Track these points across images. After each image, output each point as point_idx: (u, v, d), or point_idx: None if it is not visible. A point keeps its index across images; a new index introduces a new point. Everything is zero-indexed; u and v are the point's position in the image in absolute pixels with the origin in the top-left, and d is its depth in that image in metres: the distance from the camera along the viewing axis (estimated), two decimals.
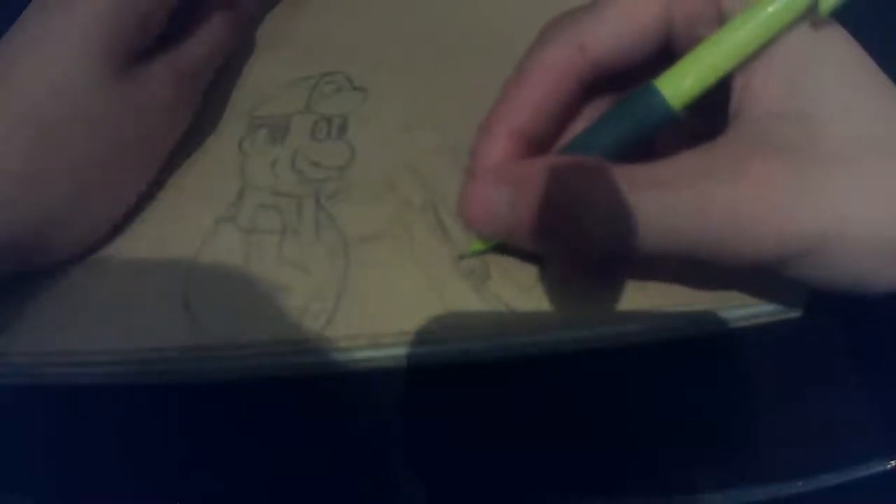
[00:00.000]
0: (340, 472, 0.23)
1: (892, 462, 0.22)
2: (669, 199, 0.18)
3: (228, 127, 0.27)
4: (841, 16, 0.19)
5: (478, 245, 0.22)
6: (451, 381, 0.24)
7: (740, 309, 0.22)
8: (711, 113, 0.20)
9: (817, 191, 0.17)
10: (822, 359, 0.25)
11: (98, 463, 0.24)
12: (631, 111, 0.20)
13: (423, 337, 0.22)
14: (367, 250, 0.23)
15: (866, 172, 0.17)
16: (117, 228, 0.24)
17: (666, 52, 0.21)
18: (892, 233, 0.17)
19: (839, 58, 0.18)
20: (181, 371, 0.22)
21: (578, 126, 0.22)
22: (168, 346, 0.22)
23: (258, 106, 0.28)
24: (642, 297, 0.21)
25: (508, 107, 0.21)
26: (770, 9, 0.18)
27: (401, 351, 0.22)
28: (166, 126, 0.25)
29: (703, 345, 0.23)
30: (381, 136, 0.26)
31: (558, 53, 0.21)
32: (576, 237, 0.19)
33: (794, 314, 0.22)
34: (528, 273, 0.22)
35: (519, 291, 0.22)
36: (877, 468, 0.22)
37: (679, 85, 0.19)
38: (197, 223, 0.24)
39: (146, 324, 0.22)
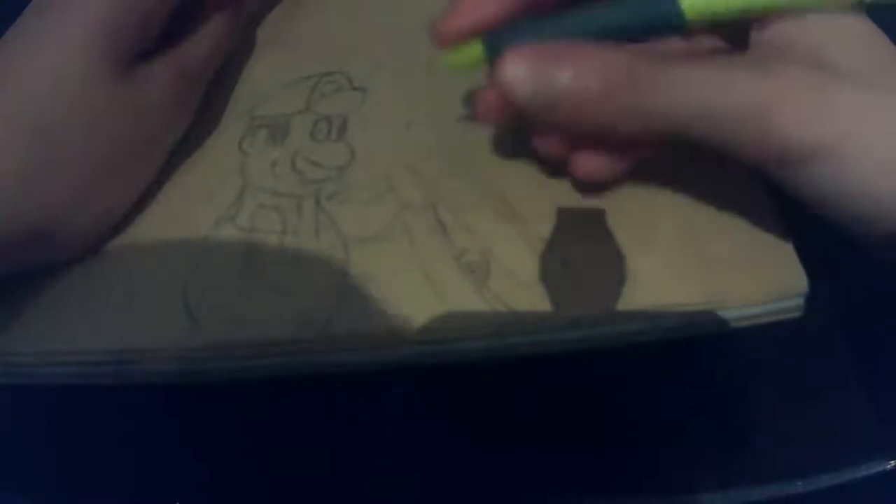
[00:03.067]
0: (340, 472, 0.23)
1: (892, 462, 0.22)
2: (695, 74, 0.18)
3: (228, 127, 0.27)
4: None
5: (467, 54, 0.21)
6: (451, 381, 0.24)
7: (740, 309, 0.22)
8: None
9: (831, 99, 0.18)
10: (822, 359, 0.25)
11: (98, 463, 0.24)
12: (637, 11, 0.19)
13: (423, 337, 0.22)
14: (367, 250, 0.23)
15: (881, 96, 0.18)
16: (117, 228, 0.24)
17: None
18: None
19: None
20: (181, 371, 0.22)
21: None
22: (168, 346, 0.22)
23: (258, 106, 0.27)
24: (642, 297, 0.21)
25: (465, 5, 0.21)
26: None
27: (401, 351, 0.22)
28: (166, 126, 0.25)
29: (703, 345, 0.23)
30: (381, 136, 0.26)
31: None
32: (610, 112, 0.19)
33: (794, 314, 0.22)
34: (528, 272, 0.22)
35: (519, 291, 0.22)
36: (877, 468, 0.22)
37: None
38: (197, 223, 0.24)
39: (146, 324, 0.22)
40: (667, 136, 0.19)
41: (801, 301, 0.22)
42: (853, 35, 0.19)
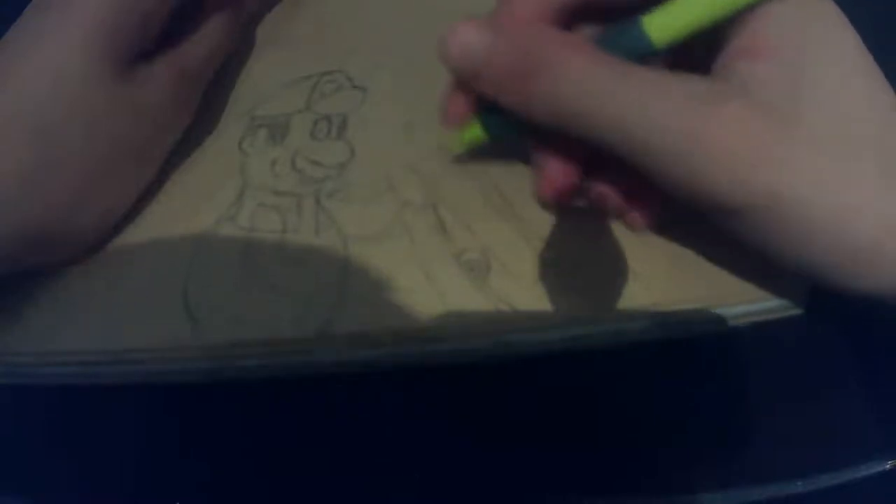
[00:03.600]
0: (340, 472, 0.23)
1: (892, 462, 0.22)
2: (623, 90, 0.18)
3: (228, 127, 0.27)
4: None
5: (467, 135, 0.23)
6: (451, 381, 0.24)
7: (740, 307, 0.22)
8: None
9: (784, 156, 0.17)
10: (822, 359, 0.25)
11: (98, 463, 0.24)
12: (613, 41, 0.20)
13: (423, 337, 0.22)
14: (367, 250, 0.23)
15: (832, 162, 0.17)
16: (117, 228, 0.24)
17: None
18: (837, 231, 0.17)
19: (837, 37, 0.19)
20: (181, 371, 0.22)
21: None
22: (168, 346, 0.22)
23: (258, 105, 0.28)
24: (642, 296, 0.21)
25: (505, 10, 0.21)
26: None
27: (401, 351, 0.22)
28: (166, 126, 0.25)
29: (703, 345, 0.23)
30: (380, 135, 0.26)
31: None
32: (531, 94, 0.19)
33: (795, 312, 0.22)
34: (528, 271, 0.22)
35: (519, 290, 0.22)
36: (876, 468, 0.22)
37: (664, 23, 0.19)
38: (197, 223, 0.24)
39: (146, 324, 0.22)
40: (594, 143, 0.19)
41: (802, 299, 0.22)
42: (827, 70, 0.18)
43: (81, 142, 0.22)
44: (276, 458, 0.24)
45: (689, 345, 0.23)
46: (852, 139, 0.17)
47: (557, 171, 0.22)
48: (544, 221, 0.23)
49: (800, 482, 0.22)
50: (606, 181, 0.22)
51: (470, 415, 0.24)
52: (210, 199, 0.25)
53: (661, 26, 0.19)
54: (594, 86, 0.18)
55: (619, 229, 0.23)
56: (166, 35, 0.25)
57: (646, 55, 0.20)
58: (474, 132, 0.23)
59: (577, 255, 0.22)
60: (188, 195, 0.25)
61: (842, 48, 0.18)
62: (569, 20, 0.22)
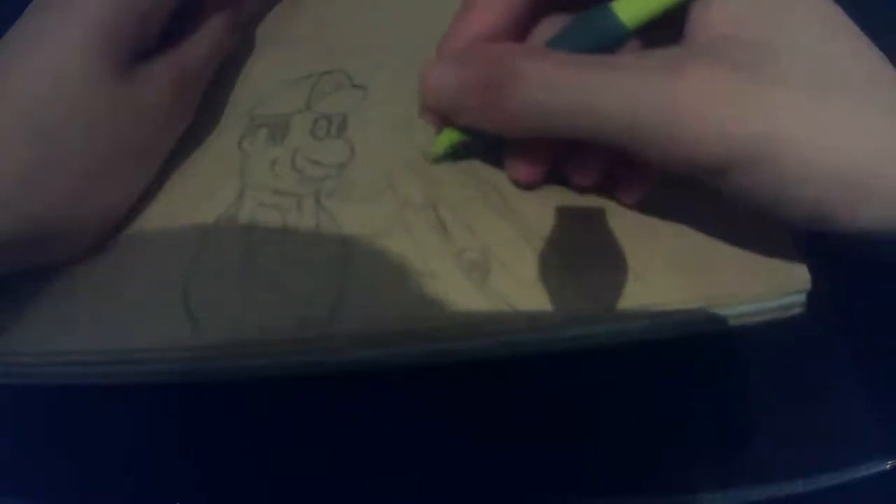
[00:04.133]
0: (340, 472, 0.23)
1: (892, 462, 0.22)
2: (595, 79, 0.18)
3: (228, 126, 0.27)
4: None
5: (444, 139, 0.23)
6: (451, 381, 0.24)
7: (740, 307, 0.22)
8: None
9: (761, 103, 0.17)
10: (822, 359, 0.25)
11: (98, 463, 0.24)
12: (585, 26, 0.20)
13: (423, 336, 0.22)
14: (367, 249, 0.23)
15: (817, 101, 0.17)
16: (117, 228, 0.24)
17: None
18: (832, 166, 0.17)
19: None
20: (181, 371, 0.22)
21: (535, 40, 0.23)
22: (168, 346, 0.22)
23: (258, 105, 0.28)
24: (642, 296, 0.21)
25: (468, 16, 0.22)
26: None
27: (401, 350, 0.22)
28: (166, 126, 0.25)
29: (703, 345, 0.23)
30: (380, 134, 0.26)
31: None
32: (506, 110, 0.20)
33: (795, 312, 0.22)
34: (528, 271, 0.22)
35: (519, 289, 0.22)
36: (877, 468, 0.22)
37: (634, 4, 0.20)
38: (197, 222, 0.24)
39: (146, 324, 0.22)
40: (580, 138, 0.19)
41: (803, 297, 0.22)
42: (803, 34, 0.18)
43: (81, 142, 0.22)
44: (276, 458, 0.24)
45: (689, 345, 0.23)
46: (832, 77, 0.17)
47: (531, 166, 0.23)
48: (544, 221, 0.23)
49: (800, 482, 0.22)
50: (585, 164, 0.23)
51: (470, 415, 0.24)
52: (210, 199, 0.25)
53: (630, 8, 0.20)
54: (567, 83, 0.18)
55: (619, 229, 0.23)
56: (166, 35, 0.25)
57: (620, 38, 0.20)
58: (451, 134, 0.23)
59: (578, 255, 0.22)
60: (188, 195, 0.25)
61: (815, 7, 0.19)
62: (528, 22, 0.22)
